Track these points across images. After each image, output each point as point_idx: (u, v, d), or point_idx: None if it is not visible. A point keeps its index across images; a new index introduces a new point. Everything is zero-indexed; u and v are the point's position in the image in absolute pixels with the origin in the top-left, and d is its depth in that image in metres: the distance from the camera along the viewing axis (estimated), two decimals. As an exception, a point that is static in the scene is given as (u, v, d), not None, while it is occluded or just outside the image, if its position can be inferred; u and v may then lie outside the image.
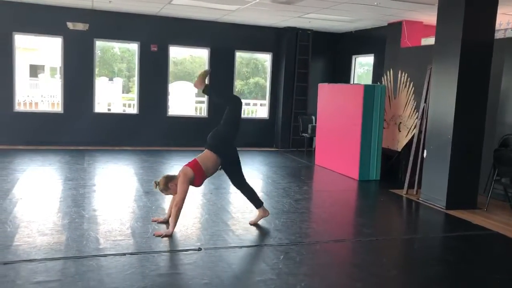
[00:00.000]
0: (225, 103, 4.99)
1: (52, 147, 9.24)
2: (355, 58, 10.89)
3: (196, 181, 4.62)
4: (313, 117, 10.41)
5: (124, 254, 3.93)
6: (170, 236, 4.37)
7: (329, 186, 7.53)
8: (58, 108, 10.23)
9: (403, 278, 3.94)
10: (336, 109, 8.34)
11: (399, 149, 7.94)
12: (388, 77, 8.43)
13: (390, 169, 8.01)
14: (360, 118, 7.59)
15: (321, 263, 4.08)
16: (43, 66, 19.85)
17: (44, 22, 9.19)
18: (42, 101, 13.91)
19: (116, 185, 6.59)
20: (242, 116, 12.70)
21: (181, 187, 4.46)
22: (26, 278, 3.39)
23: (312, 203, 6.41)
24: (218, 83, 10.38)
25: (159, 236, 4.36)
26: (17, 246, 3.96)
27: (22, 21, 9.09)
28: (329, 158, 8.54)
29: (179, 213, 4.46)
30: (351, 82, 10.66)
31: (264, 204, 5.78)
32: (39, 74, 18.69)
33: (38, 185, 6.37)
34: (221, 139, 4.78)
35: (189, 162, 4.70)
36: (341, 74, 10.99)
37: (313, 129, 9.78)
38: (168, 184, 4.57)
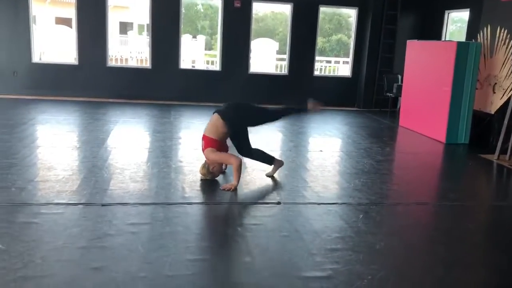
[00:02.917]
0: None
1: (141, 101, 9.74)
2: (448, 14, 10.12)
3: (221, 150, 4.68)
4: (399, 76, 9.96)
5: (207, 203, 4.13)
6: (235, 189, 4.46)
7: (413, 148, 7.26)
8: (146, 64, 10.69)
9: (488, 244, 3.77)
10: (425, 67, 7.90)
11: (492, 112, 7.39)
12: (485, 34, 7.77)
13: (481, 133, 7.52)
14: (451, 77, 7.13)
15: (402, 225, 4.01)
16: (132, 23, 20.71)
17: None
18: (131, 57, 14.59)
19: (199, 139, 6.82)
20: (322, 73, 12.58)
21: (219, 156, 4.59)
22: (121, 219, 3.69)
23: (395, 165, 6.24)
24: (300, 39, 10.23)
25: (226, 189, 4.46)
26: (113, 191, 4.30)
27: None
28: (415, 119, 8.19)
29: (240, 170, 4.49)
30: (443, 39, 9.98)
31: (344, 164, 5.77)
32: (128, 31, 19.54)
33: (129, 136, 6.80)
34: (241, 122, 4.79)
35: (204, 144, 4.75)
36: (432, 31, 10.30)
37: (399, 88, 9.37)
38: (209, 169, 4.69)
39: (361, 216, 4.03)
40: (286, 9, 10.50)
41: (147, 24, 11.04)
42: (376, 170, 5.56)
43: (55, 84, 9.61)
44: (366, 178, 5.16)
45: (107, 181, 4.55)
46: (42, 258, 2.98)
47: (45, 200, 3.96)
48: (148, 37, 10.19)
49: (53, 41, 13.68)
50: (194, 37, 16.93)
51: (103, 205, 3.95)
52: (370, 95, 10.54)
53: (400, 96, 9.04)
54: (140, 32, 19.67)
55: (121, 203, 4.01)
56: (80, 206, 3.91)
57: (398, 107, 9.68)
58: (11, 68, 9.41)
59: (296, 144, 6.80)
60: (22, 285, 2.68)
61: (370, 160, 5.96)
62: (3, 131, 6.34)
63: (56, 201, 3.94)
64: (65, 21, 17.95)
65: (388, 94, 10.00)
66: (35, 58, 9.73)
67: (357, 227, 3.79)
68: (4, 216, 3.58)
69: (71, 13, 13.25)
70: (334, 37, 21.84)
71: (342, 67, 13.86)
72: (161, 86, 9.98)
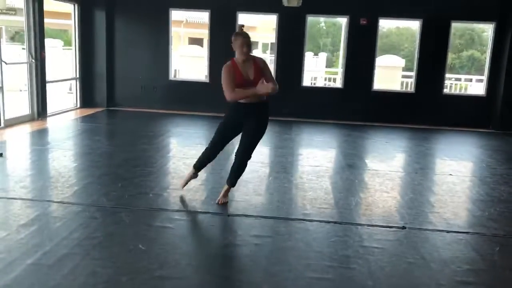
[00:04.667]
0: None
1: (264, 117, 10.07)
2: None
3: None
4: (544, 96, 8.96)
5: (328, 222, 4.12)
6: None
7: (560, 177, 6.44)
8: (270, 81, 11.04)
9: None
10: None
11: None
12: None
13: None
14: None
15: (547, 263, 3.58)
16: (257, 42, 21.63)
17: (262, 0, 9.92)
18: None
19: (320, 156, 6.86)
20: (452, 92, 11.79)
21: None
22: (245, 230, 3.86)
23: (537, 194, 5.60)
24: (428, 56, 9.80)
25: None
26: (238, 202, 4.50)
27: (244, 1, 9.99)
28: (562, 144, 7.28)
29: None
30: None
31: (477, 190, 5.43)
32: (253, 50, 20.42)
33: (253, 150, 7.07)
34: None
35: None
36: None
37: (543, 109, 8.43)
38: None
39: (497, 249, 3.69)
40: (412, 25, 10.12)
41: (271, 43, 11.45)
42: (515, 199, 5.05)
43: (187, 100, 10.38)
44: (503, 207, 4.72)
45: (233, 192, 4.76)
46: (176, 261, 3.23)
47: (178, 207, 4.29)
48: (273, 55, 10.53)
49: (186, 60, 14.81)
50: (316, 54, 17.08)
51: (228, 215, 4.16)
52: (509, 116, 9.61)
53: (545, 118, 8.11)
54: (263, 51, 20.44)
55: (245, 214, 4.18)
56: (209, 214, 4.16)
57: (542, 130, 8.69)
58: (153, 84, 10.40)
59: (423, 166, 6.47)
60: (158, 285, 2.93)
61: (508, 188, 5.43)
62: (144, 142, 7.02)
63: (188, 208, 4.24)
64: (197, 41, 19.44)
65: (529, 115, 9.05)
66: (171, 76, 10.65)
67: (492, 261, 3.48)
68: (143, 219, 3.96)
69: (202, 33, 14.24)
70: (465, 53, 20.41)
71: (475, 85, 12.89)
72: (283, 103, 10.21)
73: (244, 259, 3.34)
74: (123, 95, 10.46)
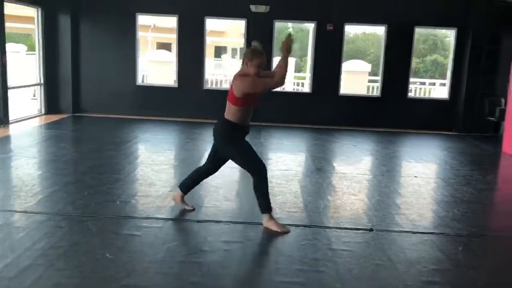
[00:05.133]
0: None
1: (233, 122, 10.05)
2: (562, 31, 9.31)
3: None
4: (502, 99, 9.30)
5: (298, 226, 4.14)
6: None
7: (518, 177, 6.71)
8: (239, 86, 11.07)
9: None
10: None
11: None
12: None
13: None
14: None
15: (508, 260, 3.71)
16: (226, 47, 21.63)
17: (230, 6, 9.95)
18: (225, 80, 15.19)
19: (289, 160, 6.90)
20: (416, 95, 12.08)
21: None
22: (215, 236, 3.84)
23: (498, 195, 5.81)
24: (393, 60, 10.03)
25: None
26: (207, 208, 4.48)
27: (212, 6, 9.99)
28: (521, 146, 7.57)
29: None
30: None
31: (441, 191, 5.56)
32: (222, 55, 20.42)
33: (222, 155, 7.04)
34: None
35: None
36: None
37: (502, 112, 8.74)
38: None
39: (460, 248, 3.80)
40: (378, 30, 10.34)
41: (241, 48, 11.47)
42: (477, 199, 5.21)
43: (156, 105, 10.27)
44: (465, 208, 4.86)
45: (202, 198, 4.75)
46: (144, 269, 3.18)
47: (146, 214, 4.23)
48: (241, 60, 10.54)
49: (154, 65, 14.67)
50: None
51: (198, 221, 4.13)
52: (470, 119, 9.93)
53: (503, 120, 8.42)
54: (233, 56, 20.46)
55: (214, 220, 4.16)
56: (178, 221, 4.12)
57: (500, 132, 9.02)
58: (120, 90, 10.23)
59: (389, 168, 6.60)
60: (126, 293, 2.88)
61: (470, 189, 5.60)
62: (111, 148, 6.90)
63: (156, 215, 4.19)
64: (165, 46, 19.28)
65: (489, 118, 9.37)
66: (139, 81, 10.51)
67: (456, 260, 3.58)
68: (111, 227, 3.88)
69: (171, 38, 14.08)
70: (428, 58, 21.01)
71: (438, 89, 13.28)
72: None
73: (214, 265, 3.32)
74: (89, 100, 10.26)
